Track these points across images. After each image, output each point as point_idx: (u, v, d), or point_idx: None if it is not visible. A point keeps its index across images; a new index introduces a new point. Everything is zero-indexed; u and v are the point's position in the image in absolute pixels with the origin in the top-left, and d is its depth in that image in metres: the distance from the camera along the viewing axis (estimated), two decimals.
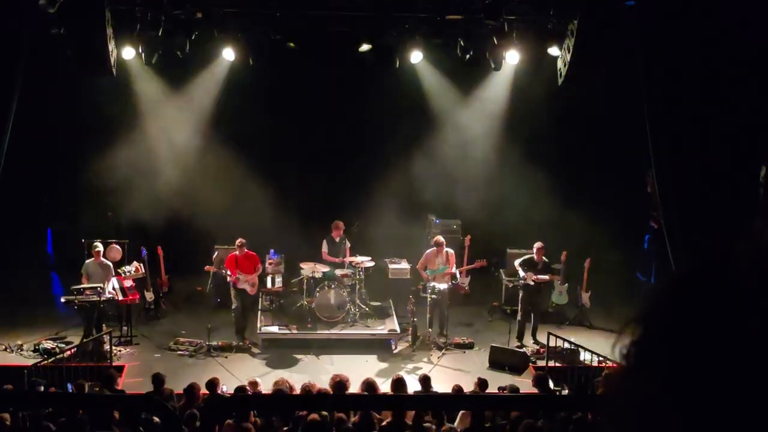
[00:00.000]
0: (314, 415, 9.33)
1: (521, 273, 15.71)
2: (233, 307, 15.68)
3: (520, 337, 15.73)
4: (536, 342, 15.69)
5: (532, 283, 15.64)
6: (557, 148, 18.32)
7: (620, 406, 1.06)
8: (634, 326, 1.03)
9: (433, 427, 10.23)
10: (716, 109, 13.11)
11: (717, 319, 0.96)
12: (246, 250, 15.73)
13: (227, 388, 12.10)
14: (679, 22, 13.08)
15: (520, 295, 15.82)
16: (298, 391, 11.36)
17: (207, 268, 16.31)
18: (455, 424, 10.66)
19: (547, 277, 15.82)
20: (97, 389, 11.62)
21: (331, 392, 10.90)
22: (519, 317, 15.84)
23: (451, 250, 16.11)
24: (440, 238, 16.09)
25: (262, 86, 17.79)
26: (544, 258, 15.75)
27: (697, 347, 0.96)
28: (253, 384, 11.67)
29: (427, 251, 16.12)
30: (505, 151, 18.52)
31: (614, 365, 1.10)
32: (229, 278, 15.58)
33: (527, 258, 15.86)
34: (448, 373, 14.27)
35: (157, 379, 11.78)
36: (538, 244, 15.77)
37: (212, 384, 11.58)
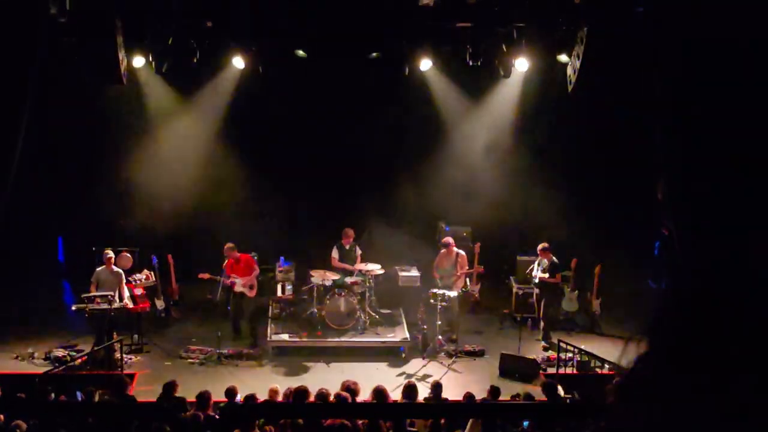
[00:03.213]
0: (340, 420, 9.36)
1: (534, 272, 16.11)
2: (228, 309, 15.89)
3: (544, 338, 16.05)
4: (546, 344, 15.83)
5: (536, 281, 16.09)
6: (567, 155, 18.30)
7: (626, 415, 1.06)
8: (642, 338, 1.03)
9: None
10: (728, 115, 13.03)
11: (721, 334, 0.95)
12: (237, 253, 15.73)
13: (238, 396, 12.11)
14: (689, 27, 13.03)
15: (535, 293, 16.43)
16: (312, 398, 11.36)
17: (200, 275, 15.93)
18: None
19: (546, 276, 15.88)
20: (107, 396, 11.62)
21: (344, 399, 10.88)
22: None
23: (462, 252, 16.21)
24: (448, 239, 16.23)
25: (271, 94, 17.83)
26: (552, 258, 15.85)
27: (702, 361, 0.96)
28: (273, 392, 11.68)
29: (440, 251, 16.28)
30: (514, 158, 18.52)
31: (622, 374, 1.10)
32: (226, 281, 15.63)
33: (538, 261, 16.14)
34: (458, 380, 14.23)
35: (169, 387, 11.81)
36: (540, 246, 16.06)
37: (231, 392, 11.61)
